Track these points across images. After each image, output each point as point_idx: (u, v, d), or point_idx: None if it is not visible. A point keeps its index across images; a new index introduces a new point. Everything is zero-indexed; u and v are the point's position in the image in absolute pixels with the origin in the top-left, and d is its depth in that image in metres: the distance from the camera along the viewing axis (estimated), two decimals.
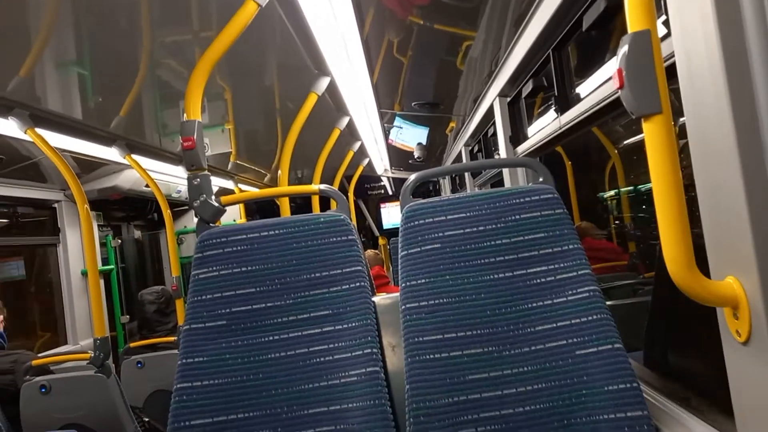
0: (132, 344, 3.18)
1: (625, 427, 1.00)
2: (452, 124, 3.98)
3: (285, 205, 2.20)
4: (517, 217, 1.19)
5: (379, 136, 4.13)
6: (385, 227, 7.10)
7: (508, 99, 2.18)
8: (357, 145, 3.85)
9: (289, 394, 1.12)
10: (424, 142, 4.16)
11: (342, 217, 1.25)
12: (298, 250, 1.22)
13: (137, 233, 4.88)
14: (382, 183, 7.06)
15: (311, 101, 2.18)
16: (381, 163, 5.60)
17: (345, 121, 2.95)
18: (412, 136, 4.10)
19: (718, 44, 0.70)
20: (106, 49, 1.97)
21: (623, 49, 0.72)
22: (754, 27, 0.67)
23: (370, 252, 4.43)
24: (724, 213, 0.73)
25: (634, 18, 0.71)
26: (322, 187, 1.40)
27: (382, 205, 7.30)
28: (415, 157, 4.17)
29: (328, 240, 1.23)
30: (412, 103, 2.89)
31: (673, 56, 0.81)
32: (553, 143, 1.72)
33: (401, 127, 3.89)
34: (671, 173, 0.71)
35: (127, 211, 4.53)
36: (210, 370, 1.14)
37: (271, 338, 1.17)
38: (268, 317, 1.19)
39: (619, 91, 0.74)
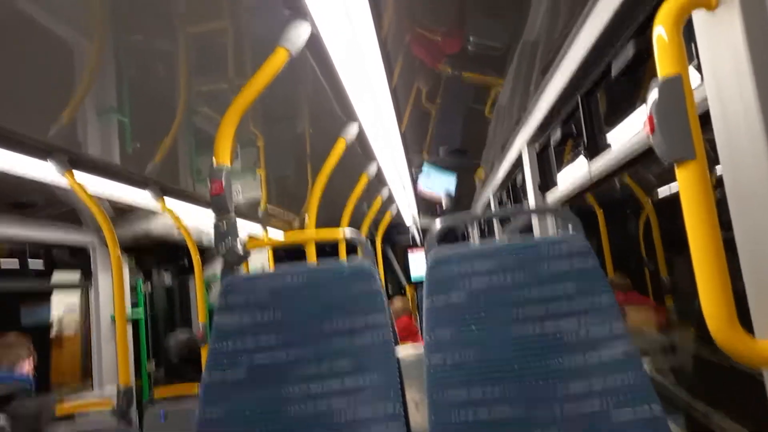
0: (156, 394, 3.15)
1: None
2: (480, 171, 3.98)
3: (311, 250, 2.20)
4: (547, 267, 1.15)
5: (407, 183, 4.14)
6: (413, 277, 7.00)
7: (537, 146, 2.17)
8: (385, 191, 3.86)
9: None
10: (452, 190, 4.16)
11: (367, 265, 1.23)
12: (322, 299, 1.20)
13: (168, 278, 4.93)
14: (410, 230, 7.02)
15: (340, 147, 2.20)
16: (408, 210, 5.60)
17: (373, 167, 2.96)
18: (440, 183, 4.10)
19: (753, 89, 0.67)
20: (145, 95, 2.05)
21: (653, 95, 0.70)
22: None
23: (397, 302, 4.33)
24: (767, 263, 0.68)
25: (664, 63, 0.70)
26: (348, 231, 1.38)
27: (410, 252, 7.24)
28: (444, 206, 4.15)
29: (352, 289, 1.21)
30: (440, 150, 2.90)
31: (706, 102, 0.79)
32: (583, 192, 1.69)
33: (429, 174, 3.90)
34: (708, 222, 0.68)
35: (159, 256, 4.60)
36: (228, 425, 1.11)
37: (291, 390, 1.14)
38: (289, 369, 1.16)
39: (650, 137, 0.72)
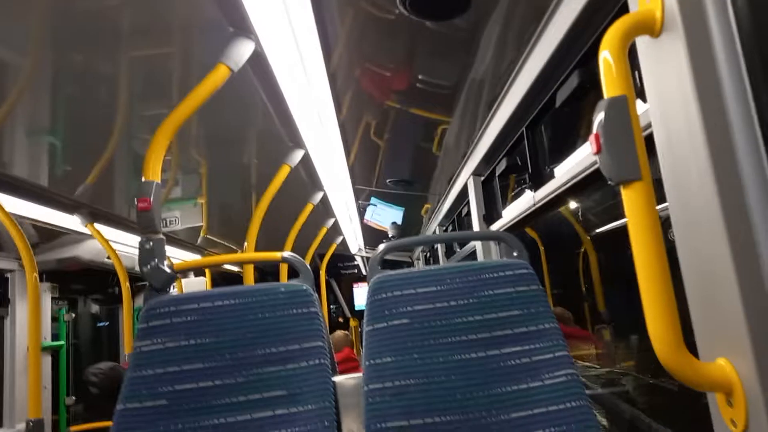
0: (73, 429, 2.90)
1: None
2: (427, 206, 4.00)
3: (249, 274, 2.11)
4: (491, 292, 1.13)
5: (354, 214, 4.10)
6: (357, 308, 6.89)
7: (482, 178, 2.18)
8: (331, 222, 3.81)
9: None
10: (399, 222, 4.15)
11: (304, 287, 1.17)
12: (255, 323, 1.13)
13: (95, 308, 4.64)
14: (356, 263, 6.97)
15: (284, 173, 2.14)
16: (355, 242, 5.55)
17: (319, 196, 2.92)
18: (387, 217, 4.09)
19: (697, 113, 0.67)
20: (80, 116, 1.94)
21: (600, 114, 0.69)
22: (732, 90, 0.66)
23: (339, 333, 4.25)
24: (712, 288, 0.68)
25: (610, 84, 0.70)
26: (286, 254, 1.32)
27: (355, 286, 7.16)
28: (390, 236, 4.13)
29: (287, 312, 1.14)
30: (387, 181, 2.89)
31: (650, 127, 0.79)
32: (527, 221, 1.70)
33: (376, 206, 3.88)
34: (653, 243, 0.67)
35: (87, 284, 4.33)
36: None
37: (216, 422, 1.05)
38: (215, 397, 1.07)
39: (597, 157, 0.71)
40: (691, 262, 0.72)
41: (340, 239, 4.81)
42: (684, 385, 0.66)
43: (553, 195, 1.35)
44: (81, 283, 4.24)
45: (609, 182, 0.71)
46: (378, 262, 1.23)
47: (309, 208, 2.89)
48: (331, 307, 7.03)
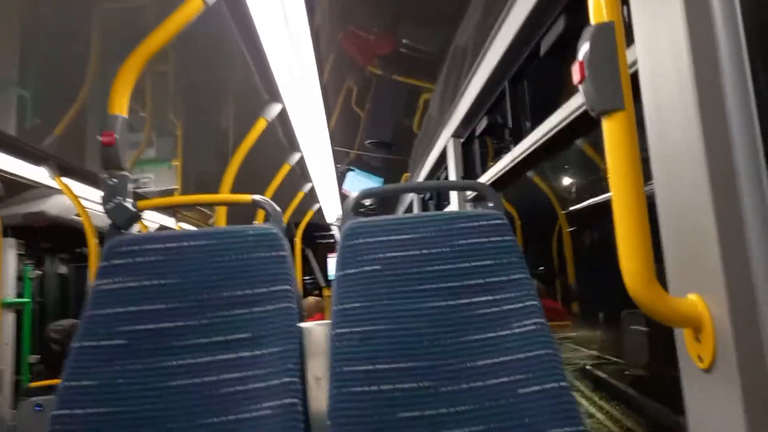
0: (32, 384, 2.84)
1: None
2: (406, 175, 3.97)
3: (221, 218, 2.05)
4: (464, 242, 1.11)
5: (332, 183, 4.06)
6: (330, 278, 6.88)
7: (462, 140, 2.16)
8: (308, 187, 3.76)
9: (189, 429, 0.96)
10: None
11: (274, 230, 1.14)
12: (221, 265, 1.09)
13: (63, 267, 4.52)
14: (332, 233, 6.93)
15: (260, 126, 2.08)
16: (332, 211, 5.51)
17: (296, 157, 2.86)
18: (365, 186, 4.04)
19: (686, 41, 0.65)
20: (49, 67, 1.86)
21: (585, 42, 0.67)
22: (722, 22, 0.64)
23: (311, 299, 4.25)
24: (688, 222, 0.66)
25: (598, 10, 0.67)
26: (257, 197, 1.28)
27: (329, 255, 7.12)
28: (367, 204, 4.10)
29: (256, 255, 1.10)
30: (367, 142, 2.85)
31: (636, 64, 0.77)
32: (506, 181, 1.68)
33: (355, 174, 3.84)
34: (631, 176, 0.64)
35: (55, 242, 4.21)
36: (98, 397, 0.97)
37: (176, 363, 1.01)
38: (177, 339, 1.03)
39: (580, 86, 0.68)
40: (668, 196, 0.70)
41: (316, 207, 4.76)
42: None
43: (534, 147, 1.32)
44: (49, 241, 4.14)
45: (591, 113, 0.69)
46: (352, 209, 1.20)
47: (286, 168, 2.84)
48: (306, 279, 7.01)
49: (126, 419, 0.95)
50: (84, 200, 3.17)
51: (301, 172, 3.38)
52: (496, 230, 1.12)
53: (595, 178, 2.10)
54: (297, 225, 5.14)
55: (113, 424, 0.95)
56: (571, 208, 2.65)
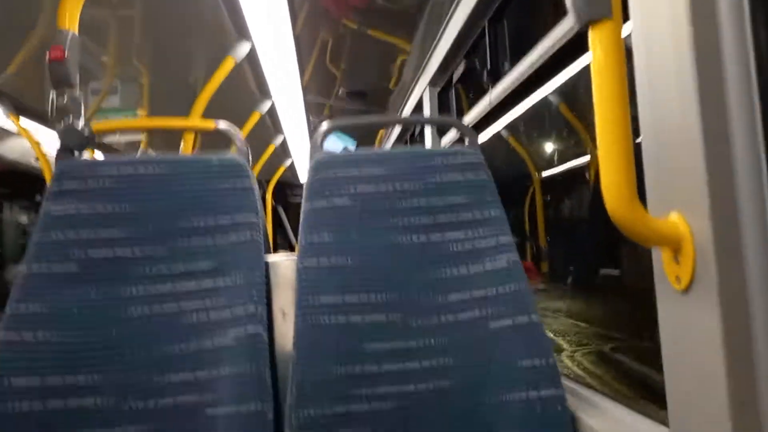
0: None
1: (537, 407, 0.89)
2: (382, 132, 3.90)
3: (188, 145, 1.95)
4: (438, 178, 1.07)
5: (305, 138, 3.96)
6: None
7: (438, 88, 2.10)
8: (279, 139, 3.65)
9: (148, 359, 0.92)
10: (352, 148, 4.04)
11: (239, 160, 1.08)
12: (183, 193, 1.03)
13: (23, 216, 4.36)
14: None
15: (228, 65, 1.98)
16: (305, 169, 5.41)
17: (267, 105, 2.76)
18: (340, 145, 3.96)
19: None
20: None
21: None
22: None
23: (281, 253, 4.20)
24: (673, 137, 0.63)
25: None
26: (222, 123, 1.21)
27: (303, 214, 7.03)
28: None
29: (220, 185, 1.05)
30: (340, 91, 2.77)
31: None
32: (481, 126, 1.63)
33: (334, 137, 3.73)
34: (617, 88, 0.61)
35: (13, 189, 4.04)
36: (48, 323, 0.91)
37: (134, 292, 0.96)
38: (134, 267, 0.98)
39: None
40: (651, 109, 0.67)
41: (288, 162, 4.65)
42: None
43: (513, 87, 1.28)
44: (7, 186, 3.97)
45: (577, 23, 0.64)
46: (320, 142, 1.14)
47: (256, 116, 2.74)
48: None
49: (79, 347, 0.90)
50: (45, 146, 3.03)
51: (272, 123, 3.27)
52: (472, 167, 1.08)
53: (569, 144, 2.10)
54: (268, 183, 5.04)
55: (65, 351, 0.90)
56: (544, 174, 2.66)
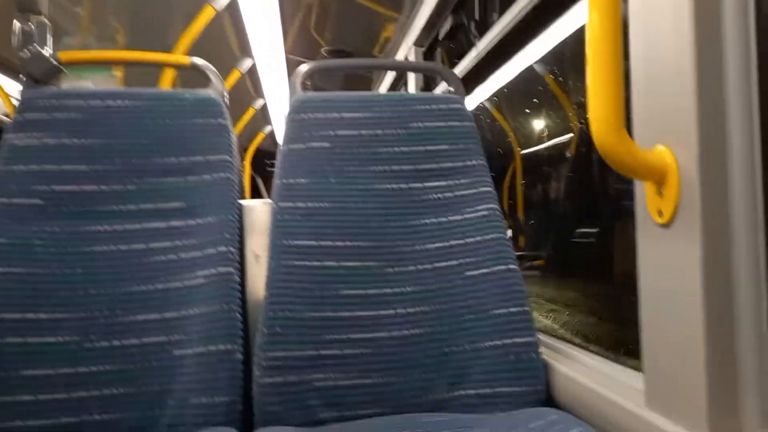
0: None
1: (510, 354, 0.88)
2: None
3: (166, 80, 1.87)
4: (420, 125, 1.05)
5: (286, 101, 3.87)
6: None
7: (424, 48, 2.05)
8: (260, 103, 3.57)
9: (112, 296, 0.88)
10: None
11: (214, 97, 1.03)
12: (153, 129, 0.99)
13: None
14: None
15: (207, 14, 1.91)
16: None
17: (247, 64, 2.69)
18: None
19: None
20: None
21: None
22: None
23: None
24: (664, 67, 0.61)
25: None
26: (197, 59, 1.16)
27: None
28: None
29: (193, 121, 1.00)
30: (323, 49, 2.70)
31: None
32: (469, 84, 1.60)
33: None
34: (609, 11, 0.58)
35: None
36: (9, 255, 0.87)
37: (100, 228, 0.92)
38: (100, 203, 0.94)
39: None
40: (642, 43, 0.65)
41: (268, 129, 4.57)
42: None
43: (503, 33, 1.24)
44: None
45: None
46: (299, 83, 1.10)
47: (236, 74, 2.67)
48: None
49: (41, 281, 0.87)
50: (15, 99, 2.92)
51: (252, 86, 3.20)
52: (455, 114, 1.06)
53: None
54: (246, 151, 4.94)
55: (26, 284, 0.86)
56: (526, 151, 2.67)
